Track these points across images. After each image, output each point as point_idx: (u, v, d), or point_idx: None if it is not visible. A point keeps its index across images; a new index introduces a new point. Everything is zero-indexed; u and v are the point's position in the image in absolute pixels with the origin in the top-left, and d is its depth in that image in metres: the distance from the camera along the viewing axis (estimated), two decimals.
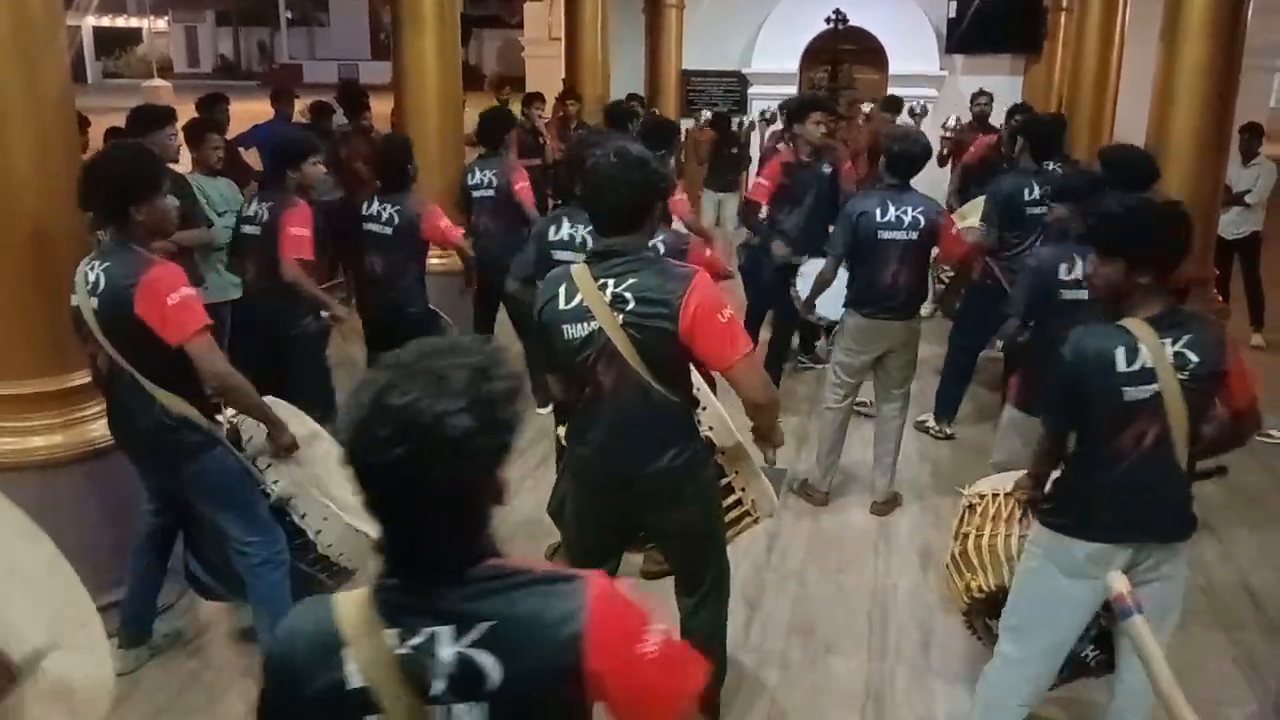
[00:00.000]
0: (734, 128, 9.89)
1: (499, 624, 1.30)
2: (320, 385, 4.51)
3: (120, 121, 5.14)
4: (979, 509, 3.19)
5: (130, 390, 3.02)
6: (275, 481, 3.19)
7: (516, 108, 9.38)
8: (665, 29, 12.34)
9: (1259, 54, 8.25)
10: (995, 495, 3.18)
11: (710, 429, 3.02)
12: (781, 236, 5.89)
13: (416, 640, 1.30)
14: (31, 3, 3.40)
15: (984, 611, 3.16)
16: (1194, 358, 2.50)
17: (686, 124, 10.41)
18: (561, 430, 3.28)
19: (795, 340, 6.70)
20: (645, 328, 2.58)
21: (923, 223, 4.53)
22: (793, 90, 11.80)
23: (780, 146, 6.74)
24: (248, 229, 4.54)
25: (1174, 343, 2.50)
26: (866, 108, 10.17)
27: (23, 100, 3.40)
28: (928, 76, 12.40)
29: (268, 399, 3.26)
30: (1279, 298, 7.65)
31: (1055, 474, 2.80)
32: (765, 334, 6.09)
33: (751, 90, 13.02)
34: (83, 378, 3.50)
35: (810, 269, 5.25)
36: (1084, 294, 3.72)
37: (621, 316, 2.59)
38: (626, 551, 3.25)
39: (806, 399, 6.20)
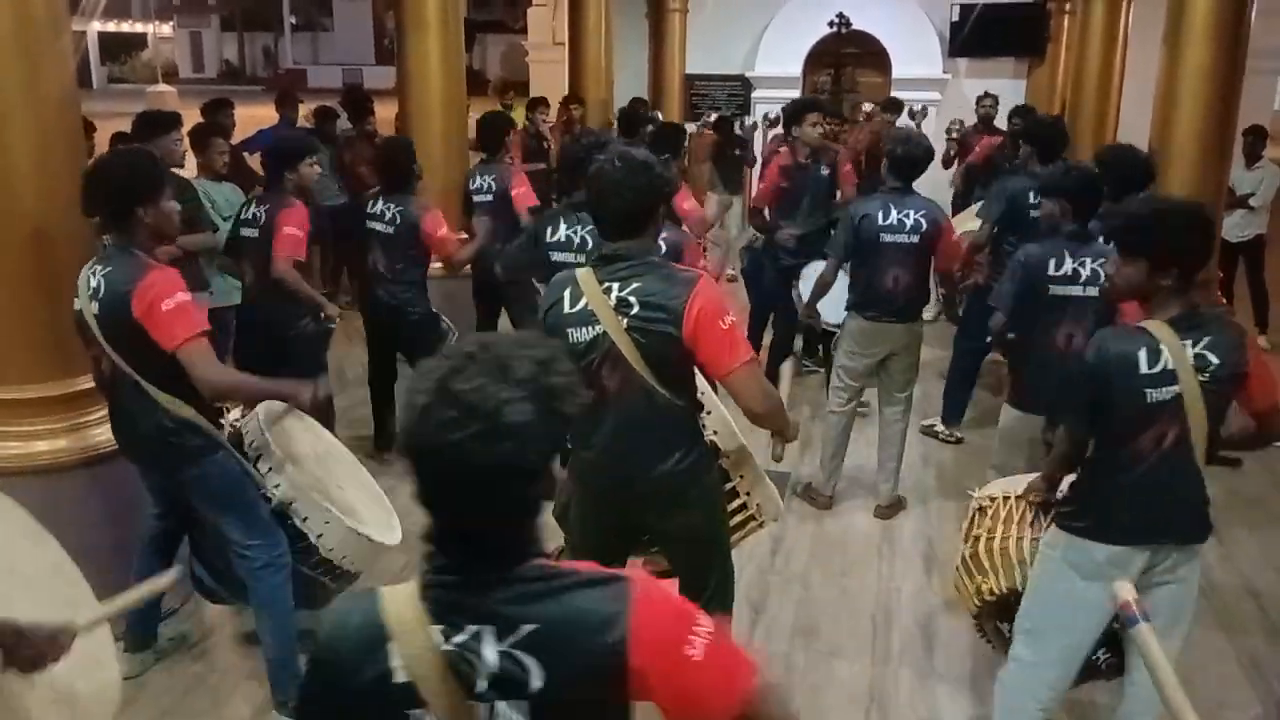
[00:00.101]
0: (738, 129, 9.89)
1: (542, 627, 1.31)
2: None
3: (126, 127, 5.16)
4: (990, 511, 3.17)
5: (132, 394, 3.02)
6: (276, 485, 3.18)
7: (520, 112, 9.39)
8: (669, 33, 12.36)
9: (1262, 56, 8.23)
10: (1006, 498, 3.16)
11: (715, 433, 3.01)
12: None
13: (461, 637, 1.32)
14: (34, 1, 3.39)
15: (995, 615, 3.14)
16: (1214, 359, 2.49)
17: (690, 128, 10.42)
18: None
19: (798, 343, 6.70)
20: (649, 332, 2.57)
21: (925, 226, 4.53)
22: (796, 94, 11.79)
23: (780, 149, 6.75)
24: (246, 231, 4.55)
25: (1194, 344, 2.50)
26: (868, 107, 10.18)
27: (23, 100, 3.39)
28: (931, 80, 12.38)
29: (265, 404, 3.28)
30: None
31: (1070, 478, 2.79)
32: (767, 337, 6.10)
33: (755, 94, 13.02)
34: (86, 382, 3.49)
35: (812, 271, 5.26)
36: (1073, 290, 3.73)
37: (626, 321, 2.58)
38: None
39: (809, 403, 6.20)
